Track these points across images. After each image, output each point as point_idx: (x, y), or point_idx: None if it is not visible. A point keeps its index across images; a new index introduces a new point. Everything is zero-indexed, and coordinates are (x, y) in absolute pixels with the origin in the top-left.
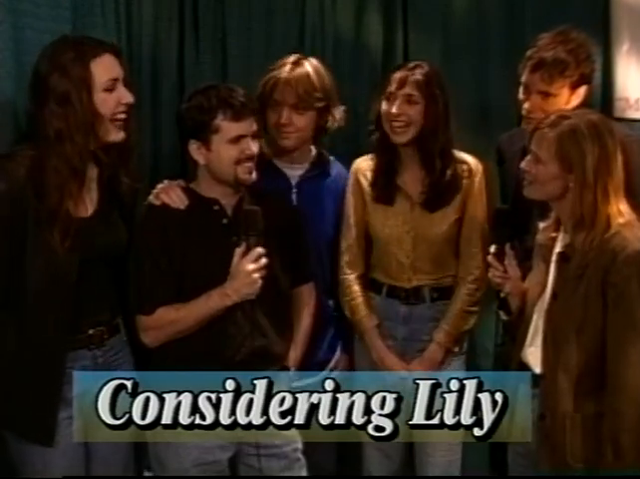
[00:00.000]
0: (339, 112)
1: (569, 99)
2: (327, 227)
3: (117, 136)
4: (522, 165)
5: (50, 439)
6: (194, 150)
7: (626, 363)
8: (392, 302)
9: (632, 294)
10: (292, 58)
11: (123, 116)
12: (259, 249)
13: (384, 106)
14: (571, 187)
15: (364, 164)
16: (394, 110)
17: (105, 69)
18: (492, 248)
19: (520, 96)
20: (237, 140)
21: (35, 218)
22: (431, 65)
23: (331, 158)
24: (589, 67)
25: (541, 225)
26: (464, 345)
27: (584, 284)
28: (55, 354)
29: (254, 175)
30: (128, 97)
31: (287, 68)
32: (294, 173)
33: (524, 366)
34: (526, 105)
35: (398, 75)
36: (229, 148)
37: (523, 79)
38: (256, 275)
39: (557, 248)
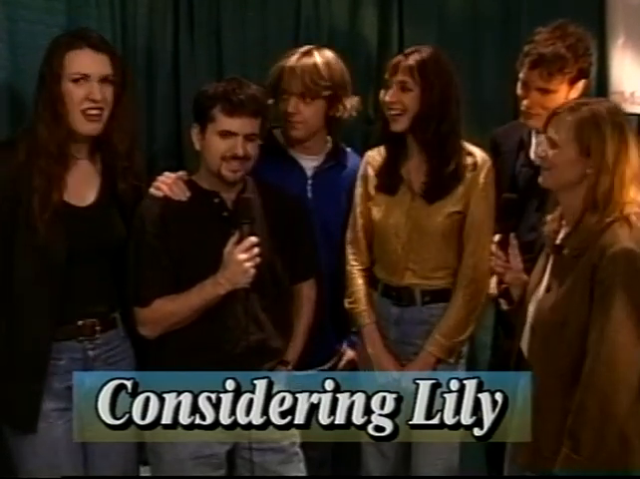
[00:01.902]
0: (351, 101)
1: (568, 94)
2: (339, 218)
3: (86, 127)
4: (538, 152)
5: (33, 426)
6: (195, 134)
7: (599, 361)
8: (385, 302)
9: (614, 293)
10: (304, 48)
11: (93, 111)
12: (252, 238)
13: (381, 94)
14: (588, 172)
15: (375, 154)
16: (387, 98)
17: (78, 62)
18: (497, 237)
19: (519, 91)
20: (226, 135)
21: (25, 198)
22: (430, 50)
23: (347, 149)
24: (587, 61)
25: (548, 217)
26: (462, 352)
27: (572, 278)
28: (40, 341)
29: (239, 174)
30: (95, 94)
31: (295, 57)
32: (310, 164)
33: (522, 357)
34: (525, 102)
35: (392, 61)
36: (218, 141)
37: (522, 75)
38: (248, 264)
39: (557, 241)
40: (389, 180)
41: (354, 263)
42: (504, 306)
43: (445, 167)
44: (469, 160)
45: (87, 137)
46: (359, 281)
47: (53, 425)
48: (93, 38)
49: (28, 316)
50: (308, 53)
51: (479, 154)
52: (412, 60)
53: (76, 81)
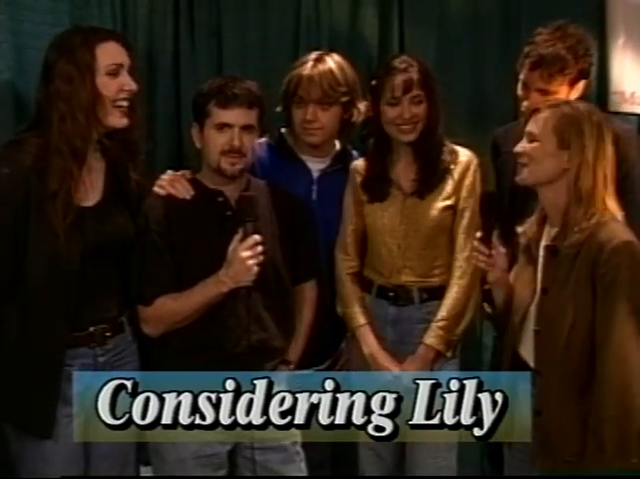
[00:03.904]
0: (363, 105)
1: (568, 94)
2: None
3: (119, 121)
4: (517, 148)
5: (49, 432)
6: (195, 133)
7: (610, 355)
8: (381, 303)
9: (620, 284)
10: (314, 55)
11: (125, 103)
12: (256, 237)
13: (390, 112)
14: (568, 167)
15: (361, 163)
16: (406, 115)
17: (109, 54)
18: (478, 234)
19: (519, 92)
20: (222, 127)
21: (37, 201)
22: (416, 58)
23: (354, 153)
24: (587, 62)
25: (527, 221)
26: (457, 349)
27: (574, 278)
28: (55, 347)
29: (238, 167)
30: (131, 84)
31: (309, 64)
32: (316, 166)
33: (517, 365)
34: (526, 103)
35: (399, 79)
36: (215, 135)
37: (522, 77)
38: (251, 262)
39: (543, 243)
40: (379, 185)
41: (343, 268)
42: (488, 309)
43: (433, 163)
44: (452, 156)
45: (107, 132)
46: (350, 285)
47: (63, 431)
48: (109, 30)
49: (44, 322)
50: (321, 60)
51: (463, 152)
52: (416, 73)
53: (111, 73)
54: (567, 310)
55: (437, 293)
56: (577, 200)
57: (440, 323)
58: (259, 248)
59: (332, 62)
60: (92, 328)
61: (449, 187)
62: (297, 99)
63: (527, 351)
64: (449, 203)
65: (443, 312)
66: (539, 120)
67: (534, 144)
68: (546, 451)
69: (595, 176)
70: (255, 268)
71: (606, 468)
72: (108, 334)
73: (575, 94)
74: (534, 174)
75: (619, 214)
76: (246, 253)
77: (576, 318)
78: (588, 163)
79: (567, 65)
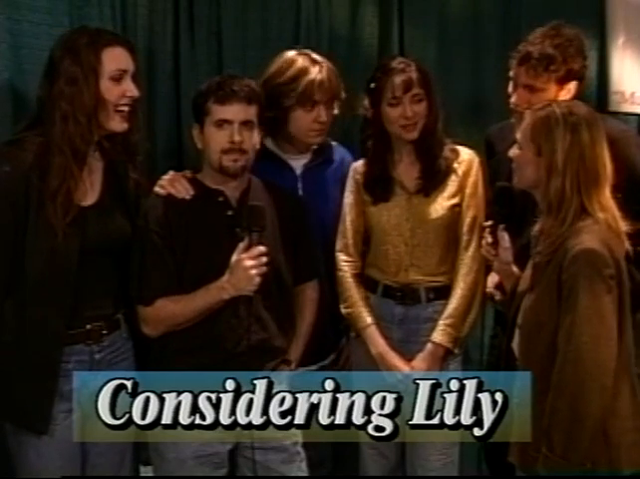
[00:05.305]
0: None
1: (557, 94)
2: (332, 214)
3: (119, 125)
4: (509, 153)
5: (45, 427)
6: (196, 134)
7: (566, 361)
8: (387, 302)
9: (577, 293)
10: (303, 57)
11: (126, 108)
12: (261, 248)
13: (392, 112)
14: (541, 174)
15: (361, 165)
16: (408, 113)
17: (115, 59)
18: (488, 222)
19: (509, 89)
20: (222, 124)
21: (37, 199)
22: (413, 59)
23: (333, 143)
24: (579, 63)
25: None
26: (462, 346)
27: (545, 282)
28: (51, 344)
29: (240, 164)
30: (133, 90)
31: (316, 68)
32: (298, 163)
33: (512, 356)
34: (513, 98)
35: (399, 79)
36: (215, 132)
37: (511, 72)
38: (254, 272)
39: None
40: (383, 186)
41: (346, 269)
42: (497, 297)
43: (435, 161)
44: (454, 155)
45: (107, 134)
46: (353, 286)
47: (59, 427)
48: (116, 34)
49: (41, 319)
50: (315, 60)
51: (464, 151)
52: (414, 72)
53: (115, 78)
54: (537, 311)
55: (443, 293)
56: (548, 206)
57: (447, 321)
58: (263, 259)
59: (320, 58)
60: (88, 326)
61: (453, 185)
62: (310, 103)
63: (517, 345)
64: (454, 201)
65: (449, 310)
66: (522, 126)
67: (519, 151)
68: (516, 444)
69: (564, 180)
70: (257, 279)
71: (556, 469)
72: (104, 332)
73: (566, 95)
74: (521, 180)
75: (609, 216)
76: (250, 263)
77: (544, 321)
78: (557, 168)
79: (553, 62)
